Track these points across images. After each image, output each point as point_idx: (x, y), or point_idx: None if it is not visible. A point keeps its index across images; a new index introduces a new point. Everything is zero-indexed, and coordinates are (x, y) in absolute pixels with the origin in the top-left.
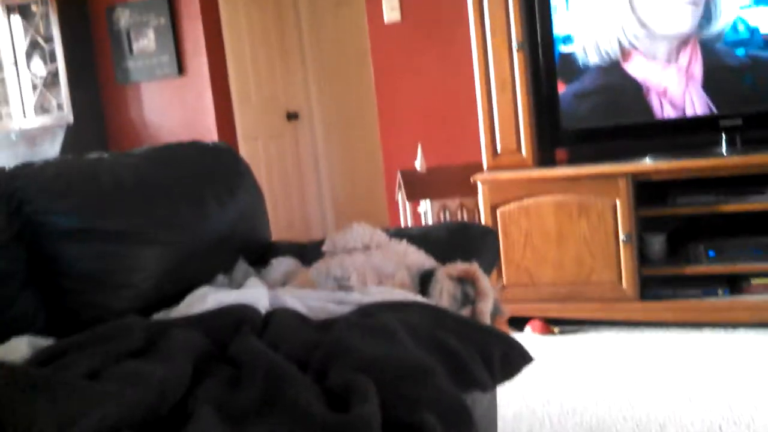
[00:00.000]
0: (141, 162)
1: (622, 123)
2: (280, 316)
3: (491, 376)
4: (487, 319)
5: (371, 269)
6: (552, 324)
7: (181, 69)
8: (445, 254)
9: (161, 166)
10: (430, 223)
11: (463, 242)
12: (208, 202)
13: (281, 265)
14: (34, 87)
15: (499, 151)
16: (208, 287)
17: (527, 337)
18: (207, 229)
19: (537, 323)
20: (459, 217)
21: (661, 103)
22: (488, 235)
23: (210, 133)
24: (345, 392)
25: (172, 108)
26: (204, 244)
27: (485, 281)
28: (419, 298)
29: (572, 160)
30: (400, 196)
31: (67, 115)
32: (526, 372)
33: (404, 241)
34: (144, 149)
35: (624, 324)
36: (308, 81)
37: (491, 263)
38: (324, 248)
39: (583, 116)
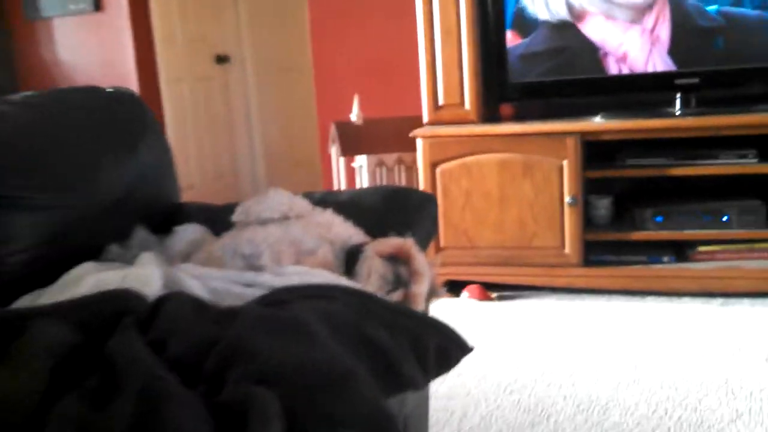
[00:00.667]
0: (18, 110)
1: (573, 78)
2: (172, 304)
3: (425, 373)
4: (421, 304)
5: (288, 245)
6: (490, 289)
7: (97, 4)
8: (377, 226)
9: (45, 116)
10: (366, 179)
11: (399, 212)
12: (101, 159)
13: (186, 233)
14: None
15: (441, 104)
16: (90, 264)
17: (464, 303)
18: (99, 191)
19: (475, 288)
20: (396, 173)
21: (619, 67)
22: (427, 204)
23: (129, 75)
24: (242, 411)
25: (87, 47)
26: (94, 209)
27: (421, 260)
28: (344, 280)
29: (518, 118)
30: (334, 150)
31: None
32: None
33: (329, 211)
34: (25, 94)
35: (566, 291)
36: (240, 22)
37: (429, 236)
38: (234, 218)
39: (532, 71)
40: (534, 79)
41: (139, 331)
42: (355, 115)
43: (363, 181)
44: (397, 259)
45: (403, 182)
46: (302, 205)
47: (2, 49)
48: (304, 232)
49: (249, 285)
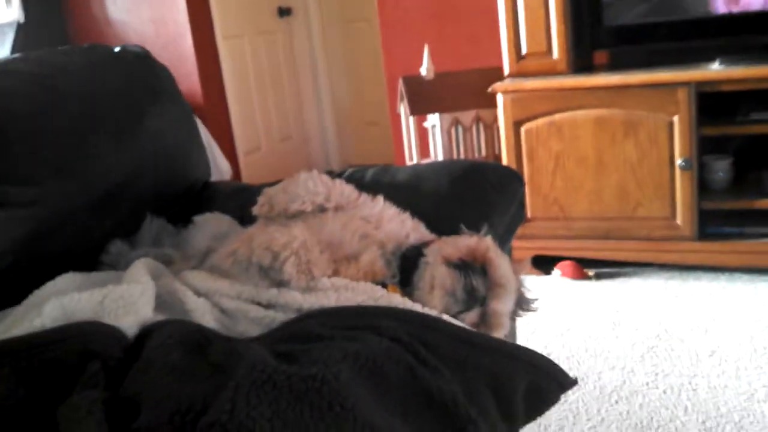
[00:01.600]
0: None
1: (679, 19)
2: (156, 345)
3: (511, 423)
4: (504, 326)
5: (322, 248)
6: (587, 266)
7: None
8: (443, 218)
9: (25, 84)
10: (439, 141)
11: (473, 197)
12: (94, 137)
13: (207, 225)
14: None
15: (524, 53)
16: (69, 276)
17: (556, 282)
18: (92, 177)
19: (568, 265)
20: (474, 133)
21: (728, 6)
22: (511, 184)
23: (183, 32)
24: None
25: (139, 3)
26: (86, 200)
27: (503, 267)
28: (397, 298)
29: (614, 67)
30: (403, 109)
31: (17, 11)
32: (553, 337)
33: (380, 199)
34: (6, 57)
35: (677, 268)
36: None
37: (513, 229)
38: (255, 211)
39: (630, 12)
40: (632, 21)
41: (107, 386)
42: (425, 69)
43: (437, 144)
44: (470, 265)
45: (483, 144)
46: (344, 192)
47: (52, 7)
48: (344, 229)
49: (269, 305)
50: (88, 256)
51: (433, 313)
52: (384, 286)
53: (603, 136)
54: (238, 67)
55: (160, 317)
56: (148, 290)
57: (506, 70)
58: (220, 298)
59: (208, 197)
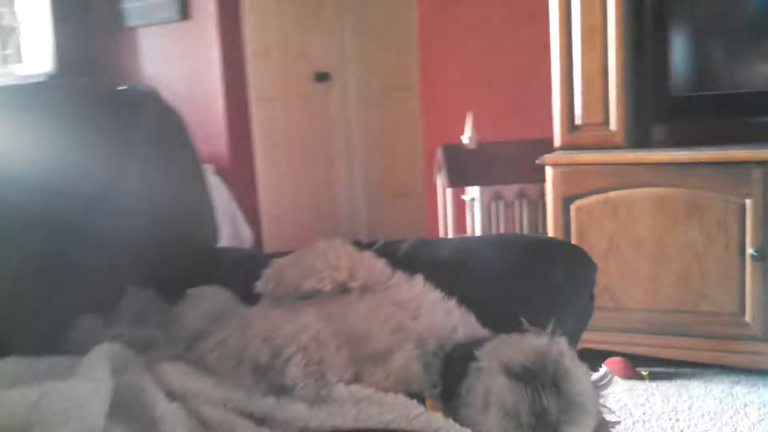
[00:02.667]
0: None
1: (755, 90)
2: None
3: None
4: None
5: (342, 342)
6: (639, 365)
7: (184, 12)
8: (499, 307)
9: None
10: (478, 217)
11: (537, 281)
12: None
13: (202, 301)
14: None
15: (578, 123)
16: (10, 362)
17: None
18: (65, 236)
19: (618, 362)
20: (516, 209)
21: None
22: (583, 268)
23: (216, 90)
24: None
25: (172, 59)
26: (46, 262)
27: (583, 381)
28: (437, 418)
29: (677, 142)
30: (440, 180)
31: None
32: None
33: (419, 280)
34: None
35: (744, 372)
36: (344, 36)
37: (583, 326)
38: (259, 288)
39: (701, 80)
40: (702, 92)
41: None
42: (467, 137)
43: (475, 219)
44: (538, 377)
45: (525, 221)
46: (373, 268)
47: (84, 59)
48: (371, 318)
49: (263, 421)
50: (50, 334)
51: None
52: (421, 399)
53: (664, 218)
54: (270, 130)
55: (117, 428)
56: (102, 389)
57: (557, 142)
58: (201, 404)
59: (212, 266)
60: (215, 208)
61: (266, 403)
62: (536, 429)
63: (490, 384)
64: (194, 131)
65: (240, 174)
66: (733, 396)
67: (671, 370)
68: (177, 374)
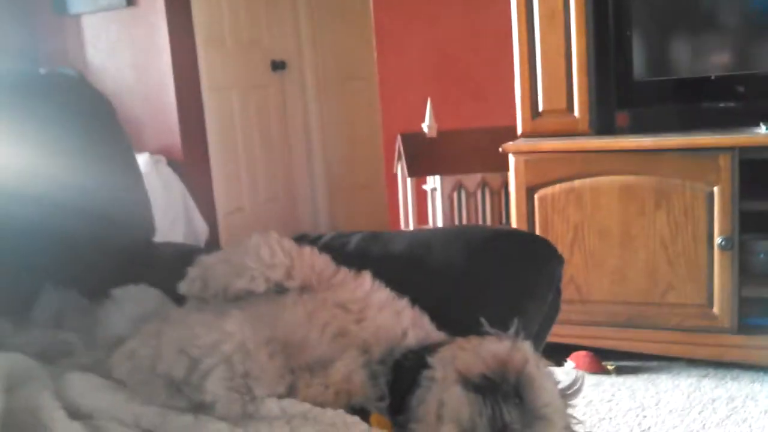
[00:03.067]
0: None
1: (723, 74)
2: None
3: None
4: None
5: (275, 349)
6: (606, 358)
7: None
8: (456, 307)
9: None
10: (440, 208)
11: (499, 277)
12: None
13: (128, 302)
14: None
15: (540, 110)
16: None
17: (568, 376)
18: None
19: (584, 357)
20: (479, 199)
21: None
22: (549, 262)
23: (166, 80)
24: None
25: (119, 47)
26: None
27: (549, 390)
28: None
29: (641, 129)
30: (400, 169)
31: None
32: None
33: (366, 277)
34: None
35: (712, 365)
36: (300, 24)
37: (548, 326)
38: (183, 289)
39: (665, 64)
40: (666, 76)
41: None
42: (427, 126)
43: (436, 209)
44: (499, 387)
45: (488, 211)
46: (314, 265)
47: (25, 47)
48: (309, 321)
49: None
50: None
51: None
52: (365, 414)
53: (630, 207)
54: (224, 121)
55: None
56: None
57: (519, 129)
58: (109, 423)
59: (144, 263)
60: (149, 198)
61: (183, 422)
62: None
63: (445, 396)
64: (145, 122)
65: (194, 166)
66: (700, 390)
67: (638, 363)
68: (85, 388)
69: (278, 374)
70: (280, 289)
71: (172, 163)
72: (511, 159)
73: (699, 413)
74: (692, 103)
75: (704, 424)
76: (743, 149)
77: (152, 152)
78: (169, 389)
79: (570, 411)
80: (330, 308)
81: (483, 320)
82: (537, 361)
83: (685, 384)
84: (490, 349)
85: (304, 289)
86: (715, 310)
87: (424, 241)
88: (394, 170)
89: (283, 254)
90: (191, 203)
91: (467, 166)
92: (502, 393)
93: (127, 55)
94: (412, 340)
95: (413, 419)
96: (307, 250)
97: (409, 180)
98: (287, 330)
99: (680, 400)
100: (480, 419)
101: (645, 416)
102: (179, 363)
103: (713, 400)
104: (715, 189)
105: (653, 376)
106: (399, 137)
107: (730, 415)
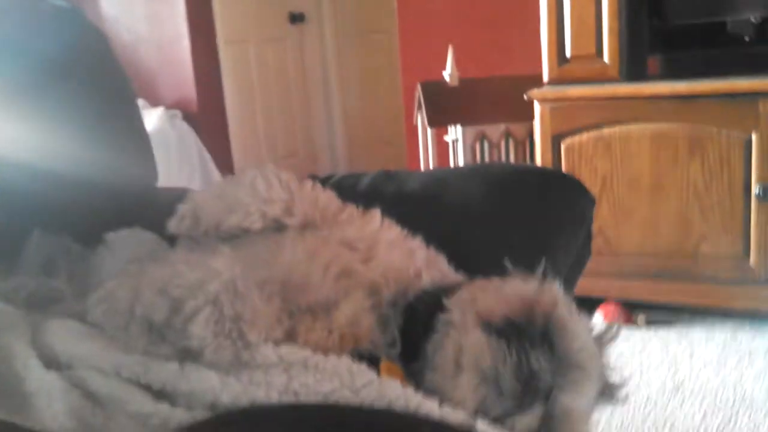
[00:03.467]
0: None
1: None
2: None
3: None
4: None
5: (272, 291)
6: (635, 310)
7: None
8: (476, 247)
9: None
10: (462, 159)
11: (523, 215)
12: None
13: (123, 247)
14: None
15: (568, 56)
16: None
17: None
18: None
19: (613, 308)
20: (502, 150)
21: None
22: (579, 201)
23: (180, 31)
24: None
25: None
26: None
27: (582, 335)
28: (393, 386)
29: (674, 75)
30: (420, 119)
31: None
32: None
33: (375, 215)
34: None
35: (747, 317)
36: None
37: (579, 270)
38: (172, 227)
39: (702, 3)
40: (701, 18)
41: None
42: (448, 74)
43: (458, 161)
44: (525, 332)
45: (512, 161)
46: (317, 201)
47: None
48: (310, 261)
49: (163, 392)
50: None
51: (461, 415)
52: (374, 361)
53: (662, 155)
54: (241, 74)
55: None
56: None
57: (545, 76)
58: (89, 371)
59: (142, 208)
60: (149, 142)
61: (166, 371)
62: (523, 398)
63: (464, 341)
64: (159, 75)
65: (210, 121)
66: (736, 342)
67: (669, 316)
68: (65, 336)
69: (275, 318)
70: (278, 227)
71: (187, 118)
72: (537, 106)
73: (735, 366)
74: (729, 47)
75: (741, 377)
76: None
77: (167, 106)
78: (151, 334)
79: (604, 360)
80: (334, 246)
81: (507, 261)
82: (568, 304)
83: (719, 337)
84: (515, 289)
85: (305, 227)
86: (751, 261)
87: (443, 178)
88: (414, 121)
89: (282, 188)
90: (208, 158)
91: (490, 116)
92: (528, 338)
93: (142, 6)
94: (427, 281)
95: (428, 368)
96: (309, 185)
97: (429, 131)
98: (286, 270)
99: (715, 352)
100: (504, 367)
101: (678, 369)
102: (160, 304)
103: (750, 353)
104: (753, 136)
105: (685, 329)
106: (419, 86)
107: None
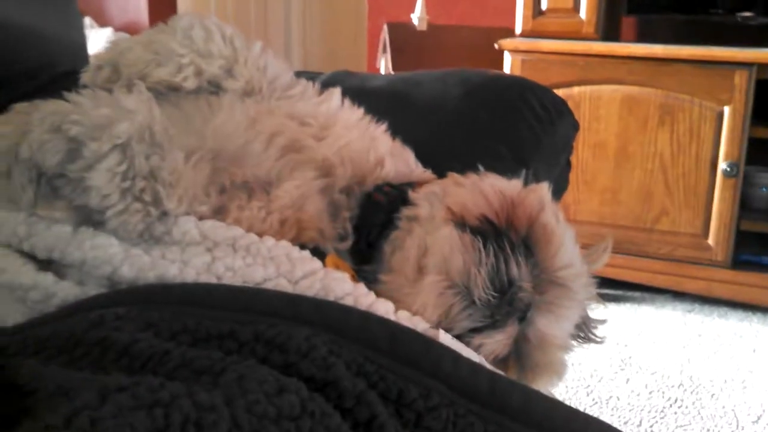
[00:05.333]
0: None
1: None
2: None
3: None
4: (558, 368)
5: (202, 157)
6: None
7: None
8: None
9: None
10: None
11: (502, 124)
12: None
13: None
14: None
15: (544, 8)
16: None
17: None
18: None
19: None
20: None
21: None
22: (562, 119)
23: None
24: None
25: None
26: None
27: (569, 245)
28: (341, 281)
29: (649, 39)
30: (383, 63)
31: None
32: None
33: (335, 93)
34: None
35: (701, 300)
36: None
37: (558, 194)
38: (85, 78)
39: None
40: None
41: None
42: (417, 17)
43: None
44: (504, 233)
45: None
46: (265, 66)
47: None
48: (252, 130)
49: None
50: None
51: (421, 326)
52: (319, 253)
53: (631, 121)
54: (199, 7)
55: None
56: None
57: (518, 28)
58: None
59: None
60: (81, 24)
61: (54, 235)
62: (497, 311)
63: (429, 239)
64: None
65: None
66: (686, 325)
67: (620, 292)
68: None
69: (201, 188)
70: (215, 90)
71: None
72: (507, 57)
73: (684, 347)
74: (710, 15)
75: (689, 358)
76: (763, 66)
77: (116, 28)
78: (39, 186)
79: (591, 285)
80: (279, 117)
81: (481, 167)
82: (555, 211)
83: (669, 317)
84: (496, 185)
85: (249, 94)
86: (710, 241)
87: (410, 78)
88: (377, 64)
89: (224, 42)
90: None
91: (458, 65)
92: (507, 239)
93: None
94: (390, 171)
95: (384, 270)
96: (258, 46)
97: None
98: (220, 137)
99: (664, 332)
100: (477, 271)
101: (626, 345)
102: (52, 144)
103: (699, 335)
104: (726, 109)
105: (635, 306)
106: (385, 26)
107: (717, 351)
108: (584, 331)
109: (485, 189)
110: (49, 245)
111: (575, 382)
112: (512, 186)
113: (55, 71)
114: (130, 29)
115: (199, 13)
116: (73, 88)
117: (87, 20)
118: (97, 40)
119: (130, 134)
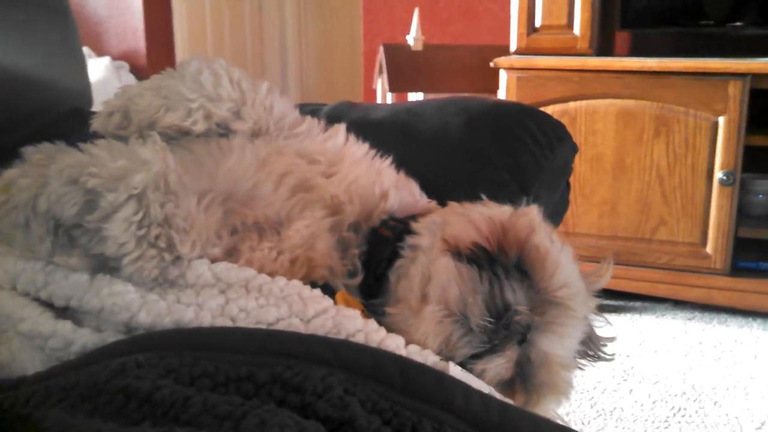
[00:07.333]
0: None
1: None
2: None
3: None
4: (560, 390)
5: (214, 200)
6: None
7: None
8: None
9: None
10: None
11: (502, 151)
12: None
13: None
14: None
15: (538, 25)
16: None
17: None
18: None
19: None
20: None
21: None
22: (562, 144)
23: None
24: None
25: None
26: None
27: (567, 266)
28: (352, 318)
29: (642, 53)
30: (380, 84)
31: None
32: None
33: (340, 129)
34: None
35: (701, 308)
36: None
37: (557, 219)
38: (96, 125)
39: None
40: None
41: None
42: (413, 37)
43: None
44: (498, 260)
45: None
46: (272, 106)
47: None
48: (261, 170)
49: (67, 309)
50: None
51: (431, 359)
52: (330, 293)
53: (627, 134)
54: (195, 29)
55: None
56: None
57: (513, 45)
58: None
59: (70, 126)
60: (84, 63)
61: (72, 283)
62: (495, 336)
63: (430, 270)
64: (107, 23)
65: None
66: (687, 333)
67: (620, 302)
68: None
69: (213, 231)
70: (224, 133)
71: (135, 71)
72: (503, 75)
73: (685, 355)
74: (701, 27)
75: (691, 367)
76: (757, 77)
77: (114, 57)
78: (57, 237)
79: (592, 302)
80: (289, 157)
81: (483, 197)
82: (549, 232)
83: (670, 325)
84: (485, 212)
85: (257, 134)
86: (708, 249)
87: (412, 108)
88: (374, 85)
89: (232, 86)
90: None
91: (453, 85)
92: (502, 266)
93: None
94: (395, 203)
95: (390, 301)
96: (265, 87)
97: (389, 95)
98: (231, 179)
99: (665, 341)
100: (474, 298)
101: (628, 356)
102: (70, 196)
103: (700, 343)
104: (721, 119)
105: (636, 316)
106: (381, 48)
107: (719, 358)
108: (592, 348)
109: (474, 217)
110: (67, 293)
111: (578, 394)
112: (502, 212)
113: (59, 111)
114: (128, 58)
115: (206, 56)
116: (77, 127)
117: (85, 49)
118: (95, 68)
119: (146, 185)
